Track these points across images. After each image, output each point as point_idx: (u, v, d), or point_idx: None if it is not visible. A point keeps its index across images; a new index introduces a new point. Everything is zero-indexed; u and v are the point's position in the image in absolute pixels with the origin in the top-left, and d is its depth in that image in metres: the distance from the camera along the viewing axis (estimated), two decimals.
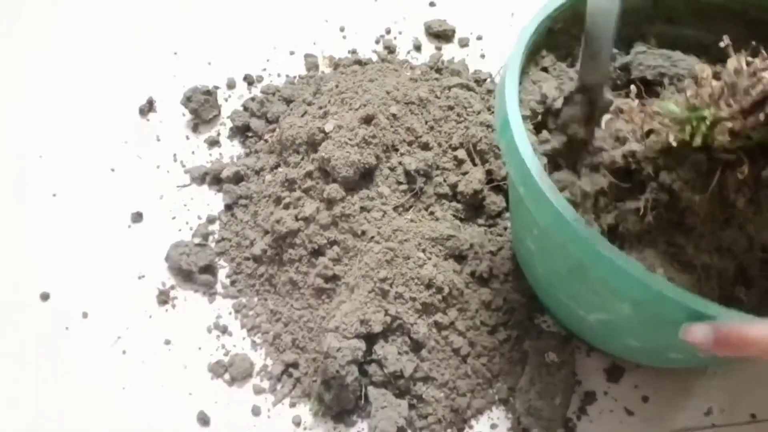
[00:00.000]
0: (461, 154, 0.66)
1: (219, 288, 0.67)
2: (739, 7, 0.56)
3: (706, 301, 0.39)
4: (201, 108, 0.75)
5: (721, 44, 0.45)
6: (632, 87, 0.52)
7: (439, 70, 0.78)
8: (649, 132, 0.48)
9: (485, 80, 0.77)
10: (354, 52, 0.81)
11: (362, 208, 0.63)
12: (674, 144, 0.45)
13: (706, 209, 0.46)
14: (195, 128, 0.76)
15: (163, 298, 0.66)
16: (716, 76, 0.44)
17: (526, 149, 0.45)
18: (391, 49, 0.81)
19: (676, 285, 0.46)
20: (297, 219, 0.63)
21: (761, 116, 0.41)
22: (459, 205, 0.66)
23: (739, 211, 0.47)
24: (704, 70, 0.45)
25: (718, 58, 0.47)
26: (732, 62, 0.43)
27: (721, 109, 0.43)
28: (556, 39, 0.57)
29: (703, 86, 0.44)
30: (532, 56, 0.55)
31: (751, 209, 0.47)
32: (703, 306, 0.39)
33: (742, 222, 0.48)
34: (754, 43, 0.44)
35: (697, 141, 0.44)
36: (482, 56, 0.81)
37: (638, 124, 0.48)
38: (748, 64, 0.43)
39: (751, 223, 0.48)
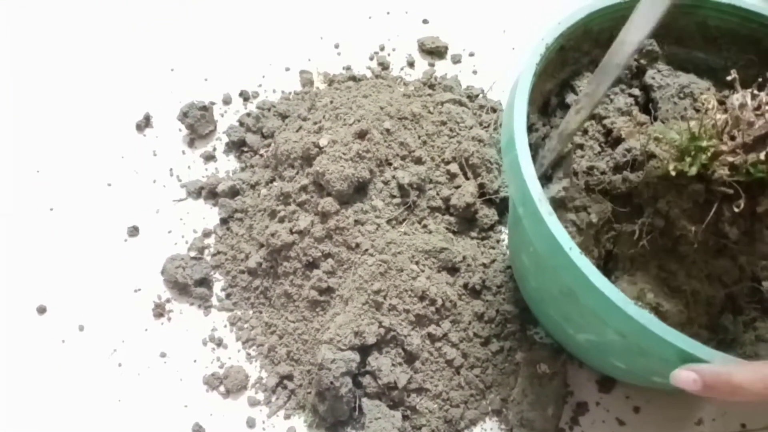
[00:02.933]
0: (454, 168, 0.67)
1: (214, 301, 0.67)
2: (751, 33, 0.56)
3: (690, 340, 0.40)
4: (197, 123, 0.76)
5: (728, 78, 0.45)
6: (634, 111, 0.53)
7: (432, 86, 0.79)
8: (651, 156, 0.48)
9: (477, 96, 0.78)
10: (348, 68, 0.82)
11: (356, 222, 0.63)
12: (673, 174, 0.45)
13: (700, 239, 0.47)
14: (191, 143, 0.77)
15: (159, 311, 0.66)
16: (721, 103, 0.45)
17: (529, 171, 0.45)
18: (384, 66, 0.82)
19: (664, 309, 0.46)
20: (292, 232, 0.64)
21: (763, 153, 0.41)
22: (452, 218, 0.66)
23: (733, 243, 0.47)
24: (709, 101, 0.45)
25: (725, 83, 0.47)
26: (738, 97, 0.43)
27: (724, 142, 0.43)
28: (566, 56, 0.57)
29: (706, 117, 0.44)
30: (542, 73, 0.54)
31: (745, 241, 0.47)
32: (687, 344, 0.39)
33: (734, 253, 0.48)
34: (760, 79, 0.44)
35: (693, 171, 0.44)
36: (474, 72, 0.82)
37: (640, 148, 0.49)
38: (753, 97, 0.43)
39: (743, 254, 0.48)
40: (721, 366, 0.38)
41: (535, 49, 0.52)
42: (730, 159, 0.43)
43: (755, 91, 0.43)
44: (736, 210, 0.43)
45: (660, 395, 0.61)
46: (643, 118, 0.53)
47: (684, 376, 0.39)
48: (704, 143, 0.44)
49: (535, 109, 0.57)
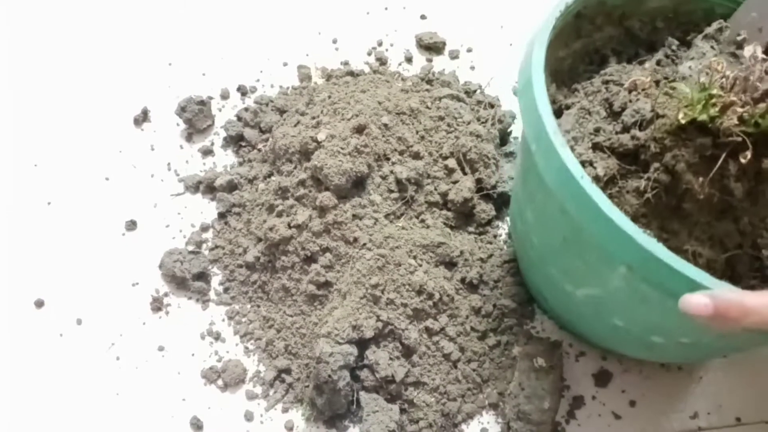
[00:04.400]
0: (451, 163, 0.67)
1: (212, 295, 0.67)
2: None
3: (696, 269, 0.39)
4: (195, 118, 0.76)
5: (738, 37, 0.46)
6: (647, 64, 0.53)
7: (429, 82, 0.79)
8: (659, 116, 0.49)
9: (475, 91, 0.78)
10: (346, 63, 0.82)
11: (354, 216, 0.63)
12: (683, 121, 0.45)
13: (705, 193, 0.47)
14: (189, 138, 0.77)
15: (157, 305, 0.66)
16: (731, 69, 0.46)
17: (545, 108, 0.46)
18: (382, 61, 0.83)
19: None
20: (290, 226, 0.64)
21: None
22: (449, 213, 0.67)
23: (736, 203, 0.47)
24: (719, 62, 0.46)
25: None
26: (748, 50, 0.44)
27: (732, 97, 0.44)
28: (581, 25, 0.58)
29: (716, 74, 0.45)
30: (557, 36, 0.55)
31: (748, 202, 0.48)
32: (694, 273, 0.39)
33: (738, 214, 0.48)
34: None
35: (703, 117, 0.45)
36: (472, 68, 0.82)
37: (651, 101, 0.49)
38: (762, 62, 0.44)
39: (746, 216, 0.48)
40: (732, 291, 0.38)
41: (557, 5, 0.53)
42: (739, 110, 0.44)
43: (764, 56, 0.44)
44: (742, 161, 0.43)
45: (656, 389, 0.61)
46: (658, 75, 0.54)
47: (695, 300, 0.38)
48: (714, 91, 0.44)
49: (547, 71, 0.58)
